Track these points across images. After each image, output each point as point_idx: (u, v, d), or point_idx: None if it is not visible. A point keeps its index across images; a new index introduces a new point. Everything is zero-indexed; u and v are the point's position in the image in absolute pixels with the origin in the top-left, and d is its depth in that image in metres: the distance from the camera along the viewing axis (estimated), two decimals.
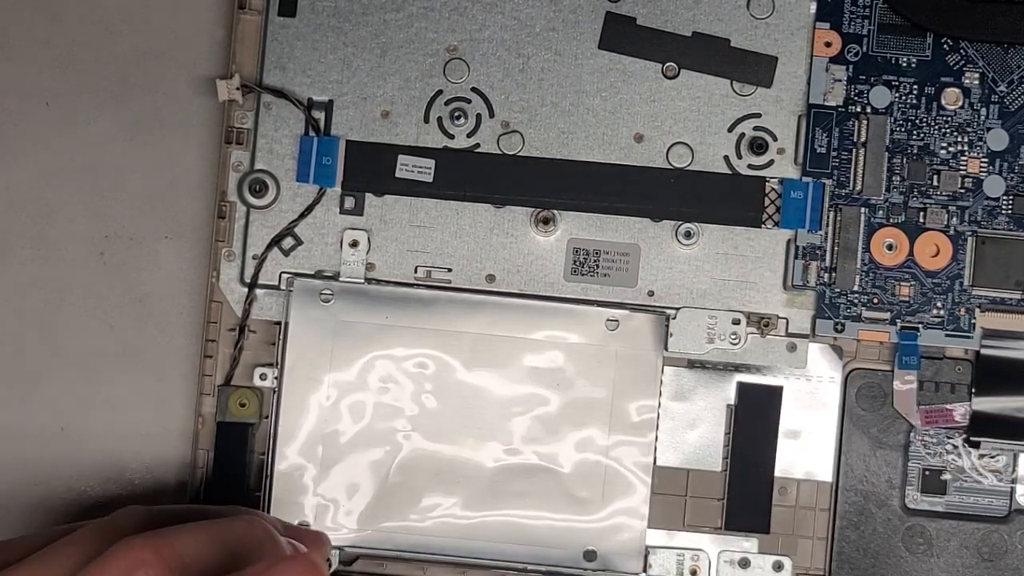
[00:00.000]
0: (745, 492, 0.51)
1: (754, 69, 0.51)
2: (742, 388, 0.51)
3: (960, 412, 0.51)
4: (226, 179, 0.51)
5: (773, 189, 0.51)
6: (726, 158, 0.51)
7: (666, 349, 0.50)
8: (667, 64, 0.51)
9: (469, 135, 0.51)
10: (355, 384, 0.50)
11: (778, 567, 0.51)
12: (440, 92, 0.51)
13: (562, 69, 0.51)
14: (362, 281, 0.51)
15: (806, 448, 0.51)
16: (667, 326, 0.51)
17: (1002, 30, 0.50)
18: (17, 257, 0.53)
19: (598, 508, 0.50)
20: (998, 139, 0.51)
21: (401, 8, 0.51)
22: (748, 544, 0.51)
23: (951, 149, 0.51)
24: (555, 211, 0.51)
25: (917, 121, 0.51)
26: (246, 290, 0.51)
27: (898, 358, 0.51)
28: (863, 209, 0.51)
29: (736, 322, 0.51)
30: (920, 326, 0.51)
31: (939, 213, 0.51)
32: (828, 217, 0.51)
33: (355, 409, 0.50)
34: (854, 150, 0.51)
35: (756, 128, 0.51)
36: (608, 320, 0.51)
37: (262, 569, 0.37)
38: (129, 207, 0.53)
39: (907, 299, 0.51)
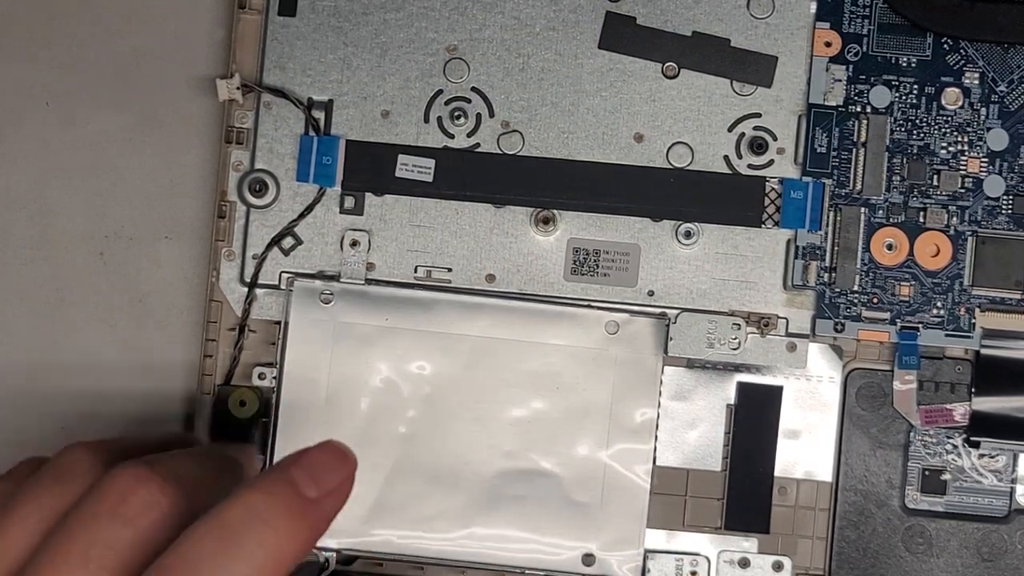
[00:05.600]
0: (745, 492, 0.51)
1: (754, 69, 0.51)
2: (742, 388, 0.51)
3: (960, 412, 0.51)
4: (226, 179, 0.51)
5: (773, 189, 0.51)
6: (726, 158, 0.51)
7: (666, 353, 0.50)
8: (667, 64, 0.51)
9: (469, 135, 0.51)
10: (354, 385, 0.50)
11: (778, 567, 0.51)
12: (440, 92, 0.51)
13: (562, 69, 0.51)
14: (362, 281, 0.51)
15: (806, 448, 0.51)
16: (667, 330, 0.50)
17: (1002, 30, 0.50)
18: (17, 257, 0.53)
19: (597, 512, 0.50)
20: (998, 139, 0.51)
21: (401, 8, 0.51)
22: (748, 544, 0.51)
23: (951, 149, 0.51)
24: (555, 211, 0.51)
25: (917, 121, 0.51)
26: (246, 290, 0.51)
27: (898, 358, 0.51)
28: (863, 209, 0.51)
29: (736, 326, 0.51)
30: (920, 326, 0.51)
31: (939, 213, 0.51)
32: (828, 217, 0.51)
33: (354, 410, 0.50)
34: (854, 150, 0.51)
35: (756, 128, 0.51)
36: (608, 323, 0.51)
37: (294, 456, 0.37)
38: (129, 207, 0.53)
39: (907, 299, 0.51)
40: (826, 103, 0.51)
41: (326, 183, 0.51)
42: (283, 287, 0.51)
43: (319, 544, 0.50)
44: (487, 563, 0.50)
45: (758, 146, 0.51)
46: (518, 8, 0.51)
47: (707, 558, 0.51)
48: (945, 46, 0.51)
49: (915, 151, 0.51)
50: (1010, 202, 0.51)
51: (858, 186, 0.51)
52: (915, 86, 0.51)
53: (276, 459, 0.50)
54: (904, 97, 0.51)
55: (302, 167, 0.51)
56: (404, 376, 0.50)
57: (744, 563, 0.51)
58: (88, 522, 0.35)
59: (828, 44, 0.51)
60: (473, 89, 0.51)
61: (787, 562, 0.51)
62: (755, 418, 0.51)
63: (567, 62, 0.51)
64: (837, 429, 0.51)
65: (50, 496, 0.36)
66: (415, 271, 0.51)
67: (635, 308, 0.51)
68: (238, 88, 0.51)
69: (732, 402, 0.51)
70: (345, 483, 0.37)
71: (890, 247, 0.51)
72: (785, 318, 0.51)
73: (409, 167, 0.51)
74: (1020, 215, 0.51)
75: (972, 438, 0.51)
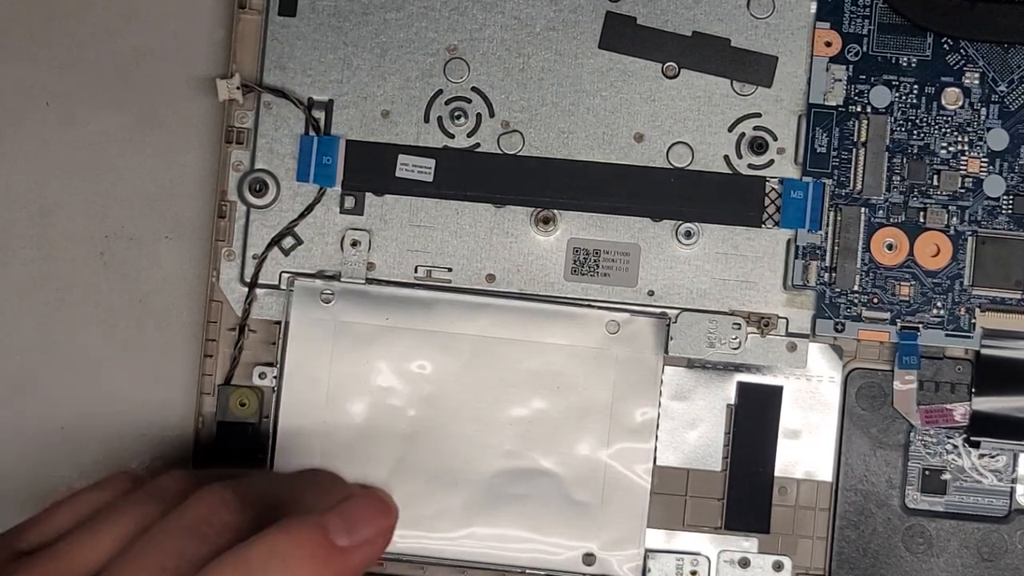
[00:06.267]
0: (745, 492, 0.51)
1: (754, 69, 0.51)
2: (742, 388, 0.51)
3: (960, 412, 0.51)
4: (226, 179, 0.51)
5: (773, 189, 0.51)
6: (726, 158, 0.51)
7: (666, 352, 0.50)
8: (667, 64, 0.51)
9: (469, 135, 0.51)
10: (355, 385, 0.50)
11: (778, 567, 0.51)
12: (440, 92, 0.51)
13: (562, 69, 0.51)
14: (362, 281, 0.51)
15: (806, 448, 0.51)
16: (668, 330, 0.50)
17: (1002, 30, 0.50)
18: (17, 257, 0.53)
19: (598, 512, 0.50)
20: (998, 139, 0.51)
21: (401, 8, 0.51)
22: (748, 544, 0.51)
23: (951, 149, 0.51)
24: (555, 211, 0.51)
25: (917, 121, 0.51)
26: (246, 290, 0.51)
27: (898, 358, 0.51)
28: (863, 209, 0.51)
29: (737, 326, 0.51)
30: (920, 326, 0.51)
31: (939, 213, 0.51)
32: (828, 217, 0.51)
33: (355, 410, 0.50)
34: (854, 150, 0.51)
35: (756, 128, 0.51)
36: (609, 323, 0.51)
37: (336, 503, 0.38)
38: (129, 207, 0.53)
39: (907, 299, 0.51)
40: (826, 103, 0.51)
41: (326, 183, 0.51)
42: (283, 287, 0.51)
43: None
44: (487, 563, 0.50)
45: (758, 146, 0.51)
46: (518, 8, 0.51)
47: (707, 558, 0.51)
48: (945, 46, 0.51)
49: (915, 151, 0.51)
50: (1010, 202, 0.51)
51: (858, 186, 0.51)
52: (915, 86, 0.51)
53: (276, 459, 0.50)
54: (904, 97, 0.51)
55: (302, 167, 0.51)
56: (405, 375, 0.50)
57: (744, 563, 0.51)
58: (171, 535, 0.36)
59: (828, 44, 0.51)
60: (473, 89, 0.51)
61: (787, 562, 0.51)
62: (755, 418, 0.51)
63: (567, 62, 0.51)
64: (837, 429, 0.51)
65: (143, 509, 0.38)
66: (415, 271, 0.51)
67: (635, 308, 0.51)
68: (238, 88, 0.51)
69: (732, 402, 0.51)
70: (381, 535, 0.38)
71: (890, 247, 0.51)
72: (785, 318, 0.51)
73: (409, 167, 0.51)
74: (1020, 215, 0.51)
75: (972, 438, 0.51)
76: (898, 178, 0.51)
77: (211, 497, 0.37)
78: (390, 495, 0.39)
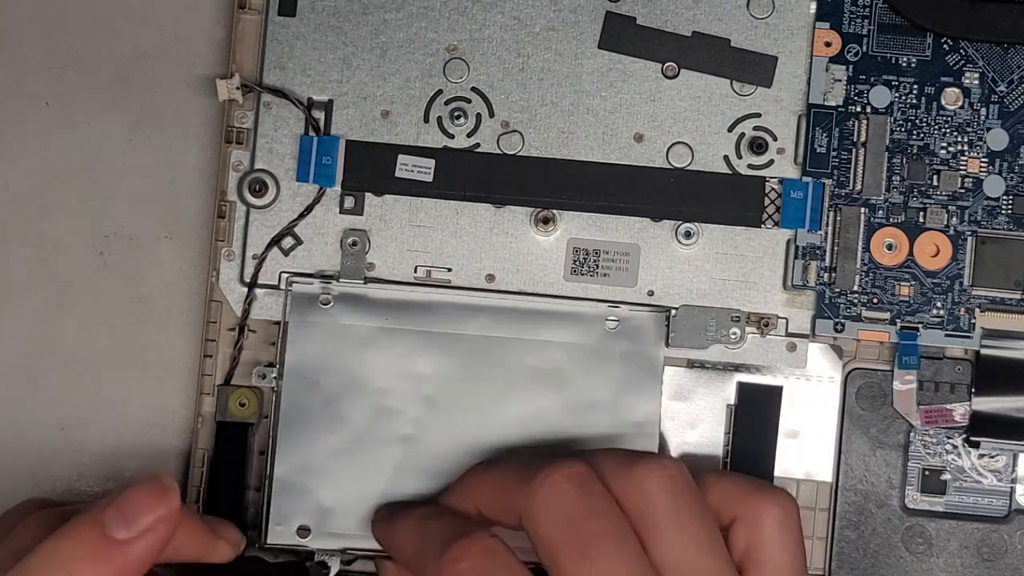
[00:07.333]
0: None
1: (754, 69, 0.51)
2: (742, 388, 0.51)
3: (960, 412, 0.51)
4: (226, 179, 0.51)
5: (773, 189, 0.51)
6: (726, 158, 0.51)
7: (667, 347, 0.50)
8: (667, 64, 0.51)
9: (469, 135, 0.51)
10: (355, 386, 0.50)
11: None
12: (440, 92, 0.51)
13: (562, 69, 0.51)
14: (361, 282, 0.51)
15: (806, 448, 0.51)
16: (667, 325, 0.50)
17: (1002, 30, 0.50)
18: (17, 257, 0.53)
19: None
20: (998, 139, 0.51)
21: (401, 8, 0.51)
22: None
23: (951, 149, 0.51)
24: (555, 211, 0.51)
25: (917, 121, 0.51)
26: (246, 290, 0.51)
27: (898, 358, 0.51)
28: (863, 209, 0.51)
29: (736, 319, 0.51)
30: (920, 326, 0.51)
31: (939, 213, 0.51)
32: (828, 217, 0.51)
33: (355, 411, 0.50)
34: (854, 150, 0.51)
35: (756, 128, 0.51)
36: (609, 319, 0.51)
37: (114, 496, 0.38)
38: (129, 207, 0.53)
39: (907, 299, 0.51)
40: (826, 103, 0.51)
41: (326, 183, 0.51)
42: (283, 287, 0.51)
43: (319, 545, 0.50)
44: None
45: (758, 146, 0.51)
46: (518, 8, 0.51)
47: None
48: (945, 46, 0.51)
49: (915, 151, 0.51)
50: (1010, 202, 0.51)
51: (858, 186, 0.51)
52: (915, 86, 0.51)
53: (276, 462, 0.50)
54: (904, 97, 0.51)
55: (302, 167, 0.51)
56: (405, 376, 0.50)
57: None
58: None
59: (828, 44, 0.51)
60: (473, 89, 0.51)
61: None
62: (755, 418, 0.51)
63: (567, 62, 0.51)
64: (837, 429, 0.51)
65: None
66: (415, 271, 0.51)
67: (635, 308, 0.51)
68: (238, 88, 0.51)
69: (732, 402, 0.51)
70: (162, 521, 0.37)
71: (890, 247, 0.51)
72: (785, 318, 0.51)
73: (409, 167, 0.51)
74: (1020, 215, 0.51)
75: (972, 438, 0.51)
76: (898, 178, 0.51)
77: (36, 525, 0.38)
78: (171, 478, 0.39)
